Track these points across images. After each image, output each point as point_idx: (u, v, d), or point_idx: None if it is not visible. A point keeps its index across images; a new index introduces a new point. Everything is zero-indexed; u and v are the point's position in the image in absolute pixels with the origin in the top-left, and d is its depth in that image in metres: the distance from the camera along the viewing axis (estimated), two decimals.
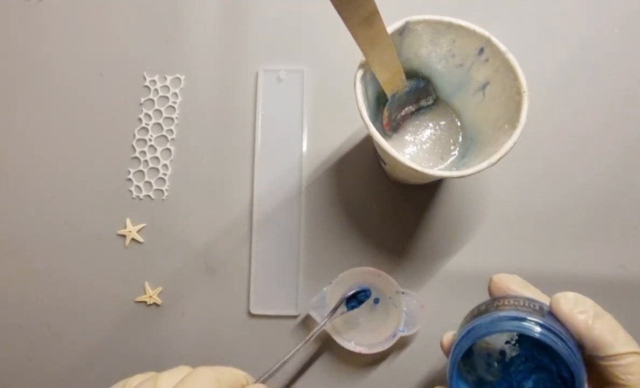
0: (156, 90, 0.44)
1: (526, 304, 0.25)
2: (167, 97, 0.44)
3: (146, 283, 0.40)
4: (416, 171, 0.31)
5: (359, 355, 0.37)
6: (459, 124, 0.39)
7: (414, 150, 0.38)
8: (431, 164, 0.38)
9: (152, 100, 0.44)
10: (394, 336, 0.37)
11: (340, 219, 0.41)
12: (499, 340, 0.28)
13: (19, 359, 0.39)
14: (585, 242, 0.40)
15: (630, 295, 0.39)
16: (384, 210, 0.41)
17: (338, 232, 0.41)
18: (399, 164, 0.31)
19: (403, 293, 0.37)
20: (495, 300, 0.26)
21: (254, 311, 0.39)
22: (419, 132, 0.39)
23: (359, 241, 0.40)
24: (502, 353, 0.28)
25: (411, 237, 0.40)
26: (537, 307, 0.25)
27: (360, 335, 0.38)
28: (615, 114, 0.42)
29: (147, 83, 0.44)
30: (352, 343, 0.37)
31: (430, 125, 0.39)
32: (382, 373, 0.38)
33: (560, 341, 0.23)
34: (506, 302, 0.25)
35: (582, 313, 0.23)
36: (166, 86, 0.44)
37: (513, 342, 0.28)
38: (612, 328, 0.23)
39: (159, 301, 0.40)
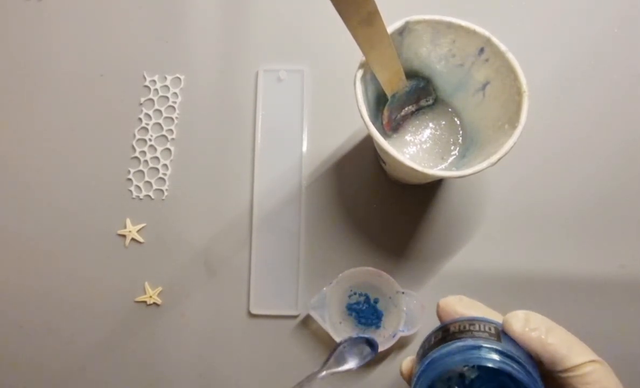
0: (156, 90, 0.44)
1: (481, 328, 0.25)
2: (167, 97, 0.44)
3: (146, 283, 0.40)
4: (416, 171, 0.31)
5: None
6: (458, 123, 0.39)
7: (414, 150, 0.38)
8: (431, 164, 0.38)
9: (152, 100, 0.44)
10: (394, 336, 0.37)
11: (340, 219, 0.41)
12: None
13: (19, 359, 0.39)
14: (585, 242, 0.40)
15: (630, 295, 0.39)
16: (384, 210, 0.41)
17: (338, 232, 0.41)
18: (399, 163, 0.31)
19: (403, 293, 0.37)
20: (450, 325, 0.26)
21: (254, 311, 0.39)
22: (419, 132, 0.39)
23: (359, 241, 0.40)
24: (462, 375, 0.28)
25: (411, 237, 0.40)
26: (492, 330, 0.25)
27: None
28: (615, 114, 0.42)
29: (147, 83, 0.44)
30: None
31: (430, 125, 0.39)
32: (382, 373, 0.38)
33: (517, 364, 0.23)
34: (461, 328, 0.25)
35: (534, 330, 0.23)
36: (166, 86, 0.44)
37: (471, 365, 0.28)
38: (565, 341, 0.23)
39: (159, 301, 0.40)
